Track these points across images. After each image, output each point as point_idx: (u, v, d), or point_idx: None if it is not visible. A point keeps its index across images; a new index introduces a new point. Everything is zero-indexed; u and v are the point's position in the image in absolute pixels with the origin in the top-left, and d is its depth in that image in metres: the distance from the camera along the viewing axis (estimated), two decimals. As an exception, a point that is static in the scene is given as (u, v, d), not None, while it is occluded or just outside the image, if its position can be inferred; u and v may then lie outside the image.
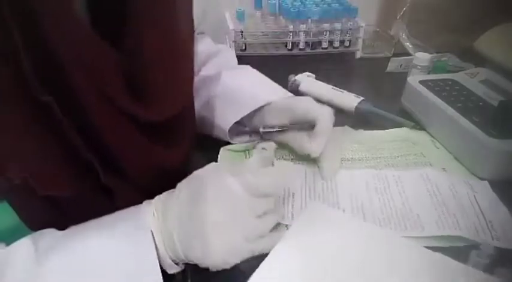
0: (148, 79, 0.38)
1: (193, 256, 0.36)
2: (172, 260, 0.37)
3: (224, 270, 0.37)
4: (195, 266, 0.37)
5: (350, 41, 0.90)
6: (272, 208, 0.40)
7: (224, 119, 0.54)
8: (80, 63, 0.32)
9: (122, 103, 0.36)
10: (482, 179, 0.51)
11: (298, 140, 0.52)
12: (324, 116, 0.50)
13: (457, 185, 0.50)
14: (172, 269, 0.37)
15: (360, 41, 0.89)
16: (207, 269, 0.37)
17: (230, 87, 0.56)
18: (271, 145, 0.53)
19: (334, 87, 0.69)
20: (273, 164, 0.51)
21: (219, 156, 0.55)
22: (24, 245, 0.34)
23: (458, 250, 0.41)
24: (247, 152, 0.56)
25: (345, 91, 0.68)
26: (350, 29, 0.87)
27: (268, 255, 0.39)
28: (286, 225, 0.44)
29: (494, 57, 0.66)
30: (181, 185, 0.39)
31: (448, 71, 0.73)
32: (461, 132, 0.53)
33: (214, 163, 0.43)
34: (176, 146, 0.44)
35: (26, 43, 0.29)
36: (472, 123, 0.53)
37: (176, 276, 0.38)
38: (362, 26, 0.87)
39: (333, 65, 0.88)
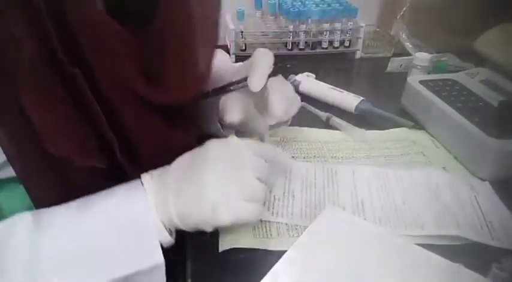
0: (166, 64, 0.39)
1: (191, 220, 0.36)
2: (166, 228, 0.36)
3: (233, 272, 0.37)
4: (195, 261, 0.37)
5: (350, 41, 0.90)
6: (269, 178, 0.40)
7: None
8: (96, 44, 0.33)
9: (136, 86, 0.36)
10: (482, 179, 0.51)
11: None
12: (259, 51, 0.46)
13: (457, 184, 0.50)
14: (164, 238, 0.36)
15: (360, 41, 0.89)
16: (207, 265, 0.37)
17: None
18: None
19: (334, 87, 0.69)
20: None
21: None
22: (23, 217, 0.34)
23: (459, 249, 0.41)
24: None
25: (344, 91, 0.68)
26: (350, 29, 0.87)
27: (281, 258, 0.38)
28: (287, 224, 0.44)
29: (494, 57, 0.66)
30: (183, 155, 0.40)
31: (448, 71, 0.73)
32: (461, 132, 0.53)
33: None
34: (192, 130, 0.45)
35: (55, 26, 0.31)
36: (472, 123, 0.53)
37: (175, 275, 0.38)
38: (362, 26, 0.87)
39: (333, 65, 0.88)
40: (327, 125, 0.64)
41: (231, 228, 0.42)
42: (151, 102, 0.38)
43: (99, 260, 0.34)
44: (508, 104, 0.53)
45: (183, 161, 0.39)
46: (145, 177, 0.38)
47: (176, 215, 0.36)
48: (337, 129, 0.62)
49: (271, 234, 0.43)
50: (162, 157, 0.40)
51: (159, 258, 0.34)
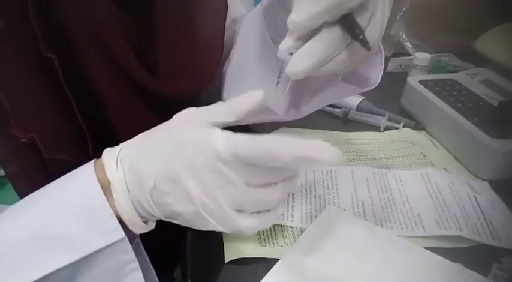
0: (164, 50, 0.37)
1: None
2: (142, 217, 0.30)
3: (230, 274, 0.37)
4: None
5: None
6: None
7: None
8: (82, 21, 0.32)
9: (130, 70, 0.34)
10: (482, 179, 0.51)
11: None
12: None
13: (458, 185, 0.49)
14: (141, 229, 0.31)
15: (360, 41, 0.89)
16: (207, 264, 0.36)
17: None
18: None
19: (334, 87, 0.69)
20: None
21: None
22: None
23: (459, 249, 0.41)
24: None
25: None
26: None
27: (281, 259, 0.38)
28: (293, 228, 0.44)
29: (494, 57, 0.66)
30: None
31: (448, 71, 0.73)
32: (461, 132, 0.53)
33: None
34: None
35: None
36: (472, 123, 0.53)
37: (176, 276, 0.38)
38: (362, 26, 0.87)
39: (333, 65, 0.87)
40: (344, 121, 0.64)
41: (235, 237, 0.41)
42: (147, 94, 0.37)
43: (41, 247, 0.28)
44: (508, 104, 0.53)
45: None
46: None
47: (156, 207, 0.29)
48: (355, 123, 0.64)
49: (277, 243, 0.42)
50: None
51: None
